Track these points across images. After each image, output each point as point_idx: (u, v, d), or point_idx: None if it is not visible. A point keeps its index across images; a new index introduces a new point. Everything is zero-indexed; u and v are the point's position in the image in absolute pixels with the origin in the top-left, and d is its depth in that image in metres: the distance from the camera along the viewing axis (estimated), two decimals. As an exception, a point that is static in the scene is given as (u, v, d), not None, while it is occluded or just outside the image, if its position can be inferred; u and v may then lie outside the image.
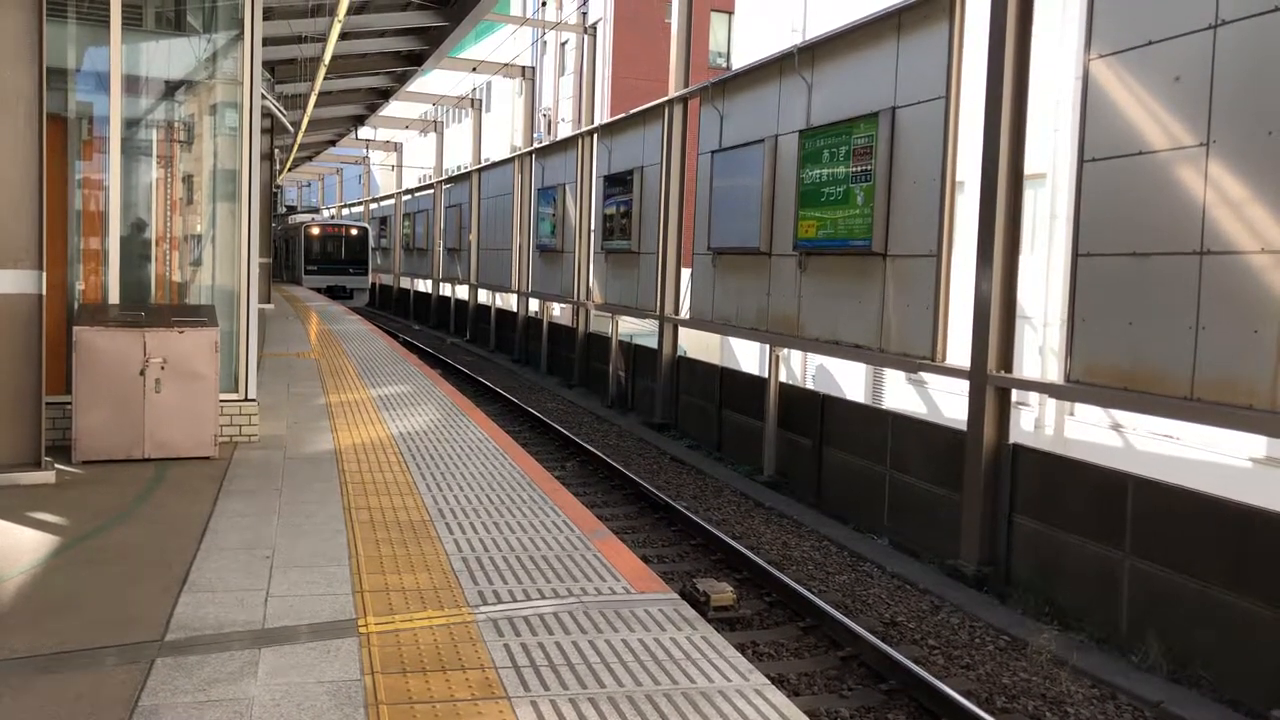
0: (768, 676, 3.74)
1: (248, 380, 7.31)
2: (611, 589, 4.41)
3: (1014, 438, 8.08)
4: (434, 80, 33.13)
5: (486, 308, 27.28)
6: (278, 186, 41.50)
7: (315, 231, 35.93)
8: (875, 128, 9.35)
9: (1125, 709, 5.85)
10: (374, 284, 39.99)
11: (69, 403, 6.47)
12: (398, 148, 43.97)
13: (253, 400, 7.34)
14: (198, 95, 7.78)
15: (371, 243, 37.95)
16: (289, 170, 42.45)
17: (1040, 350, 13.92)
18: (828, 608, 6.90)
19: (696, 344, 20.51)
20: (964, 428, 8.22)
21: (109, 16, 6.84)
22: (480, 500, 5.85)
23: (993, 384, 7.93)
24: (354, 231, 36.38)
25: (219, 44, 7.66)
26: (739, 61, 22.33)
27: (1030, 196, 13.31)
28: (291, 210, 51.23)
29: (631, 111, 16.24)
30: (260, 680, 3.39)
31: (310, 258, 35.47)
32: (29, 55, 5.80)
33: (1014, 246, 7.98)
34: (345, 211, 53.65)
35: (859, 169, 9.59)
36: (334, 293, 33.99)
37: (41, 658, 3.54)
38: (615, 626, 3.97)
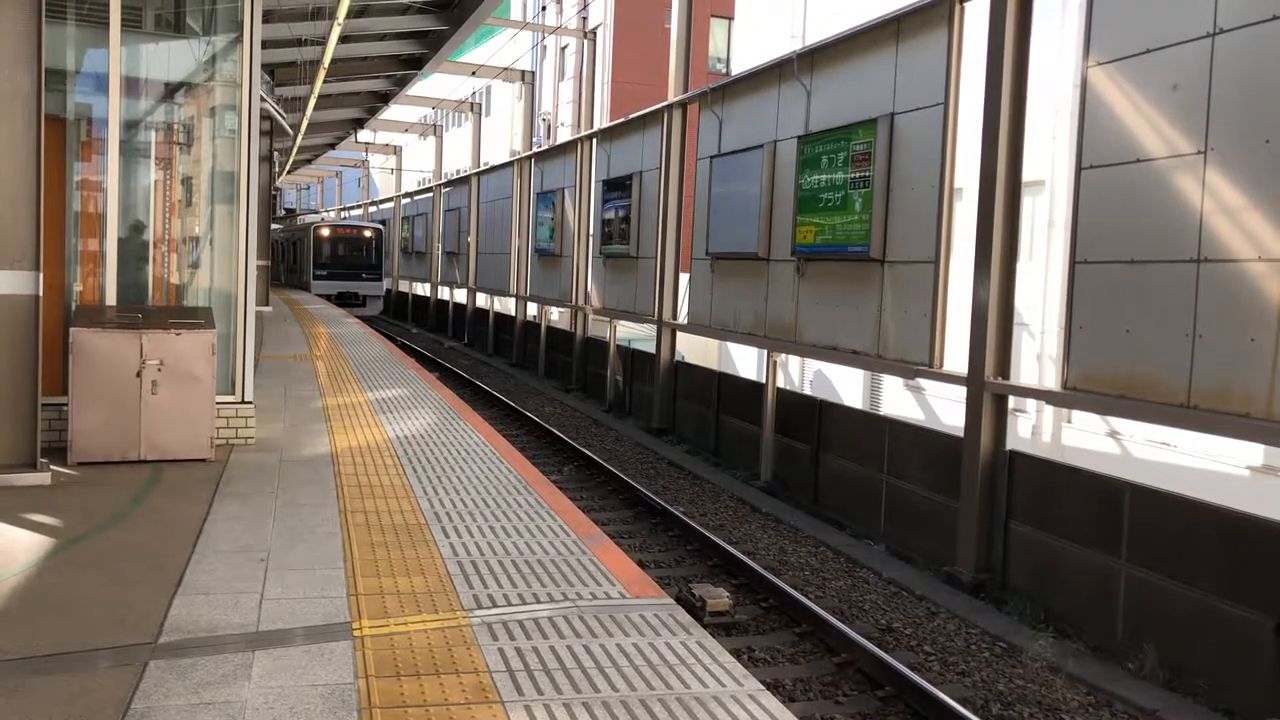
0: (763, 682, 3.74)
1: (245, 382, 7.30)
2: (607, 594, 4.40)
3: (1011, 444, 8.08)
4: (434, 84, 33.17)
5: (485, 312, 27.27)
6: (277, 189, 41.21)
7: (325, 232, 33.31)
8: (874, 134, 9.36)
9: (1121, 717, 5.84)
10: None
11: (65, 404, 6.46)
12: (397, 151, 44.01)
13: (249, 403, 7.33)
14: (197, 97, 7.78)
15: (386, 245, 35.36)
16: (288, 173, 42.41)
17: (1038, 357, 13.93)
18: (824, 613, 6.89)
19: (694, 349, 20.52)
20: (961, 434, 8.22)
21: (108, 18, 6.84)
22: (476, 504, 5.84)
23: (990, 390, 7.93)
24: (367, 233, 33.80)
25: (218, 46, 7.67)
26: (738, 67, 22.38)
27: (1028, 203, 13.33)
28: (291, 213, 50.81)
29: (631, 116, 16.25)
30: (253, 683, 3.38)
31: (319, 261, 32.69)
32: (28, 56, 5.80)
33: (1012, 253, 7.98)
34: (348, 214, 52.09)
35: (857, 175, 9.60)
36: (345, 300, 31.35)
37: (35, 659, 3.53)
38: (610, 631, 3.96)
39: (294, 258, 36.73)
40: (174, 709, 3.17)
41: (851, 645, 6.42)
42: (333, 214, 51.30)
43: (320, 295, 30.75)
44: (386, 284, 36.25)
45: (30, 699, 3.23)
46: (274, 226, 40.97)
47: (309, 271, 32.82)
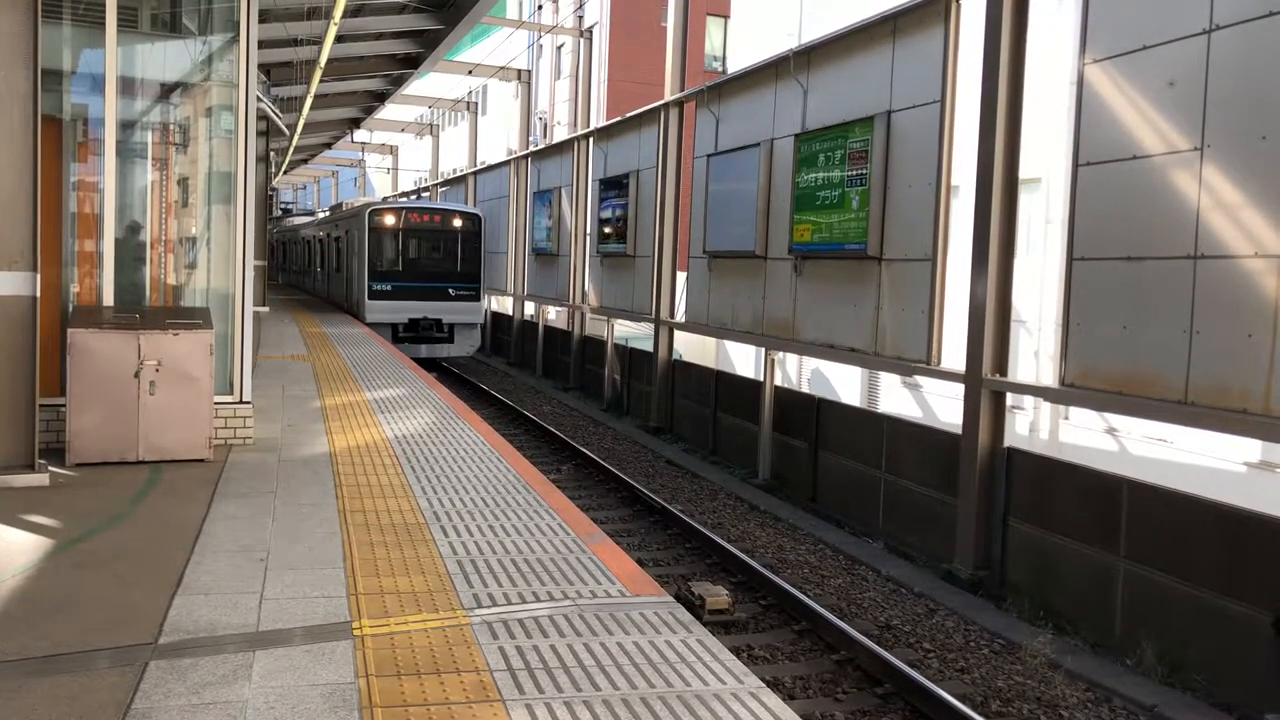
0: (763, 680, 3.75)
1: (243, 383, 7.30)
2: (606, 592, 4.40)
3: (1009, 441, 8.08)
4: (430, 83, 33.10)
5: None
6: (273, 189, 40.86)
7: (389, 221, 20.62)
8: (871, 132, 9.36)
9: (1119, 712, 5.85)
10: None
11: (63, 405, 6.45)
12: (394, 150, 43.97)
13: (248, 403, 7.32)
14: (193, 97, 7.77)
15: (484, 244, 21.82)
16: (285, 173, 42.30)
17: (1035, 354, 13.94)
18: (823, 611, 6.89)
19: (692, 347, 20.51)
20: (959, 431, 8.23)
21: (104, 18, 6.83)
22: (475, 503, 5.84)
23: (988, 387, 7.94)
24: (457, 222, 21.22)
25: (214, 46, 7.65)
26: (735, 66, 22.36)
27: (1025, 200, 13.34)
28: (287, 213, 49.86)
29: (627, 115, 16.24)
30: (254, 683, 3.38)
31: (378, 270, 20.34)
32: (24, 56, 5.79)
33: (1009, 250, 7.99)
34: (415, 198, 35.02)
35: (854, 173, 9.60)
36: (420, 333, 20.18)
37: (34, 660, 3.53)
38: (610, 629, 3.96)
39: (335, 263, 24.34)
40: (174, 709, 3.17)
41: (851, 643, 6.42)
42: (410, 197, 35.34)
43: (378, 324, 19.74)
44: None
45: (30, 700, 3.22)
46: (306, 219, 38.87)
47: (361, 286, 20.51)
